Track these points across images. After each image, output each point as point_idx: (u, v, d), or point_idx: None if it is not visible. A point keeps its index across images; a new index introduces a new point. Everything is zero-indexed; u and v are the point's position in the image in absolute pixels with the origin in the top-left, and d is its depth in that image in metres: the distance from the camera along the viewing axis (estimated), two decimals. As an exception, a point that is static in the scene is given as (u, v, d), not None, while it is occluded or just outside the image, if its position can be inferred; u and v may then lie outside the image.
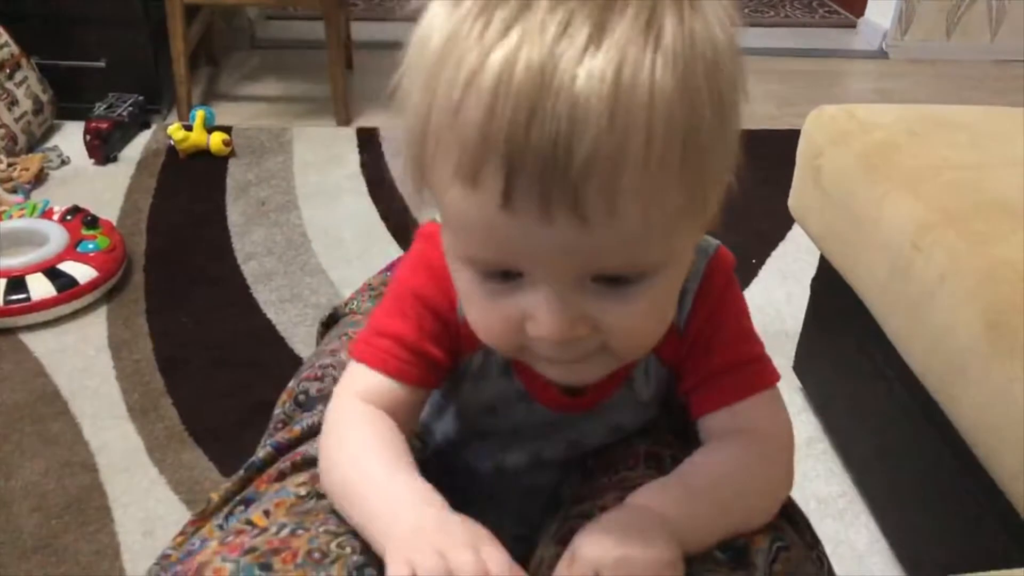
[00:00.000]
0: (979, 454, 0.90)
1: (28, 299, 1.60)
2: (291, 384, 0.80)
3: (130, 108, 2.30)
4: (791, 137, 1.36)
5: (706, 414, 0.58)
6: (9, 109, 2.15)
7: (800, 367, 1.46)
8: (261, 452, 0.64)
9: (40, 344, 1.59)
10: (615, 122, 0.40)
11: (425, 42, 0.44)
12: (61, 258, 1.69)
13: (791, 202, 1.33)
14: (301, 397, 0.75)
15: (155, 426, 1.42)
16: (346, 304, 0.96)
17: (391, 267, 1.11)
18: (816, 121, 1.28)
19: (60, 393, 1.48)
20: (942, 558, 1.07)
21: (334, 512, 0.55)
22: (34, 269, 1.65)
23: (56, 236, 1.74)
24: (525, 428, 0.62)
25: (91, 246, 1.72)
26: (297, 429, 0.69)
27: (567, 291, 0.45)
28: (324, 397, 0.74)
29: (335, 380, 0.77)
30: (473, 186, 0.42)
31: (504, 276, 0.47)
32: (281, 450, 0.68)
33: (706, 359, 0.58)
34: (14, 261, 1.67)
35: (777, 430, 0.58)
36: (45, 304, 1.61)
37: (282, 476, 0.64)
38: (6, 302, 1.59)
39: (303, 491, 0.60)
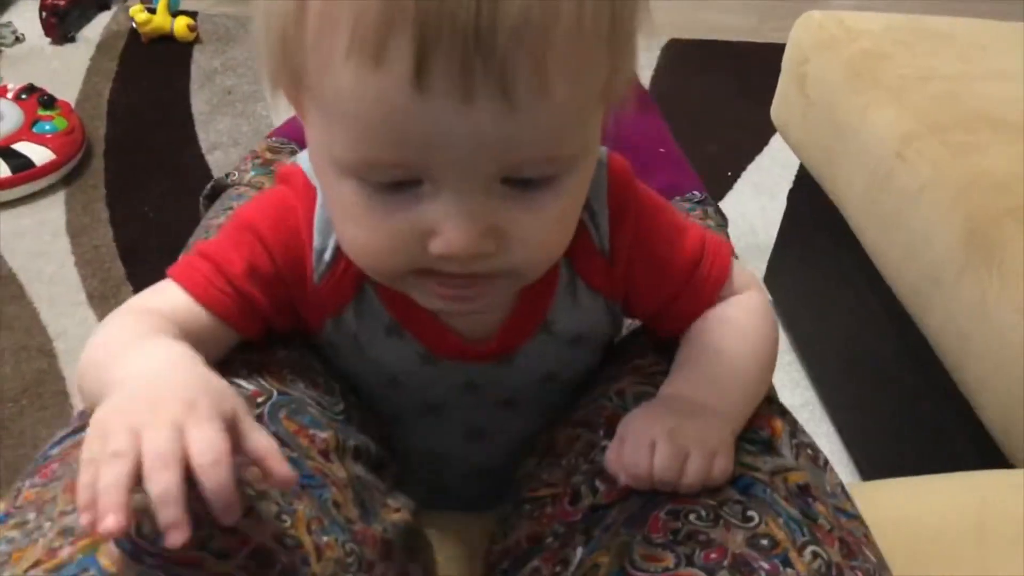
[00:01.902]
0: (947, 363, 0.91)
1: (-19, 178, 1.54)
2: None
3: (89, -14, 2.19)
4: (772, 50, 1.33)
5: (684, 331, 0.56)
6: (-41, -20, 2.04)
7: (771, 280, 1.46)
8: None
9: (-5, 226, 1.54)
10: None
11: None
12: (16, 138, 1.62)
13: (773, 110, 1.31)
14: None
15: (115, 314, 1.39)
16: (228, 176, 0.92)
17: (280, 131, 1.06)
18: (803, 27, 1.25)
19: (16, 276, 1.44)
20: (902, 467, 1.09)
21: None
22: (-13, 148, 1.59)
23: (11, 115, 1.67)
24: (442, 397, 0.57)
25: (48, 127, 1.66)
26: None
27: (475, 198, 0.40)
28: None
29: None
30: (375, 63, 0.35)
31: (396, 186, 0.40)
32: None
33: (658, 281, 0.54)
34: (-35, 139, 1.61)
35: (749, 286, 0.56)
36: (-1, 184, 1.55)
37: None
38: (-42, 181, 1.53)
39: None
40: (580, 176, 0.43)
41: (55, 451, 0.48)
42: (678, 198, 1.01)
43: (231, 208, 0.80)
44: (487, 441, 0.60)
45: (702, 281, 0.55)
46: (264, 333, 0.53)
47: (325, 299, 0.52)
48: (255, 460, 0.38)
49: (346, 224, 0.44)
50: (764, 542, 0.43)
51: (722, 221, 1.01)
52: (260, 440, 0.38)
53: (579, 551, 0.47)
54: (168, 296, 0.49)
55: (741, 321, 0.55)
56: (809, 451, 0.54)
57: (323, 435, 0.51)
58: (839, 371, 1.29)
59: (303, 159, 0.52)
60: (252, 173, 0.91)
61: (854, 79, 1.11)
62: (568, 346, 0.56)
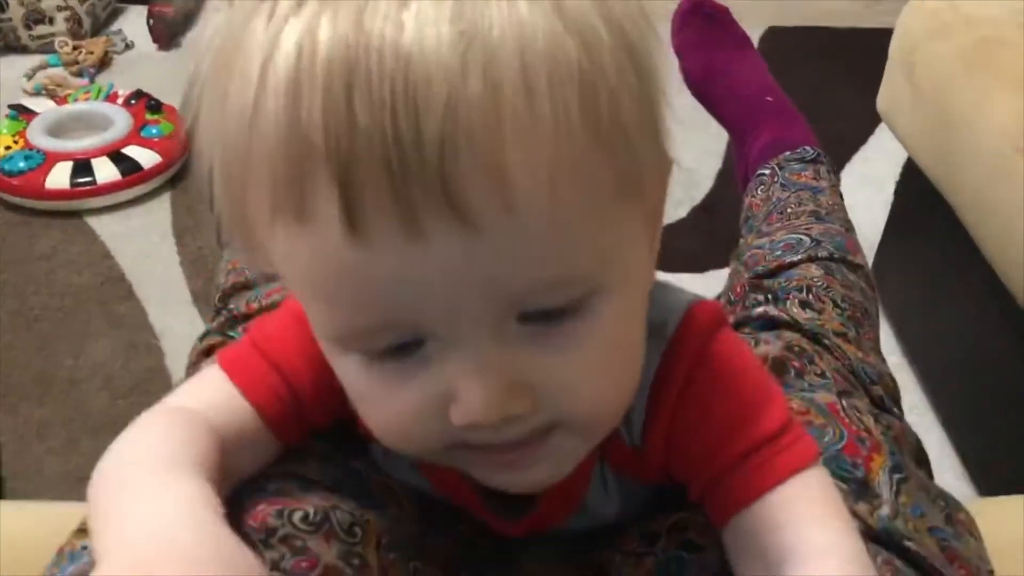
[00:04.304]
0: (1072, 372, 0.85)
1: (94, 182, 1.61)
2: (227, 255, 0.77)
3: (193, -8, 2.26)
4: (878, 36, 1.27)
5: (724, 525, 0.43)
6: (74, -10, 2.13)
7: (878, 277, 1.39)
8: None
9: (105, 228, 1.60)
10: (470, 70, 0.28)
11: (209, 47, 0.33)
12: (125, 142, 1.69)
13: (880, 101, 1.25)
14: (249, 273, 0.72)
15: (218, 313, 1.44)
16: None
17: None
18: (913, 13, 1.19)
19: (125, 277, 1.50)
20: (1015, 476, 1.03)
21: None
22: (99, 152, 1.65)
23: (120, 120, 1.74)
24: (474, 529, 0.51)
25: (155, 131, 1.72)
26: (254, 305, 0.67)
27: (487, 349, 0.32)
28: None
29: None
30: (300, 219, 0.30)
31: (399, 351, 0.34)
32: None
33: (700, 467, 0.43)
34: (80, 144, 1.68)
35: (827, 552, 0.39)
36: (110, 188, 1.62)
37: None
38: (72, 184, 1.60)
39: None
40: (622, 298, 0.35)
41: None
42: (787, 154, 0.96)
43: None
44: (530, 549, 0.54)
45: (765, 460, 0.41)
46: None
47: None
48: None
49: (361, 405, 0.38)
50: None
51: (836, 181, 0.94)
52: None
53: None
54: (214, 390, 0.43)
55: None
56: (911, 482, 0.50)
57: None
58: (951, 375, 1.23)
59: None
60: None
61: (970, 68, 1.05)
62: (610, 519, 0.49)
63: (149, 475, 0.36)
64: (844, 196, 0.96)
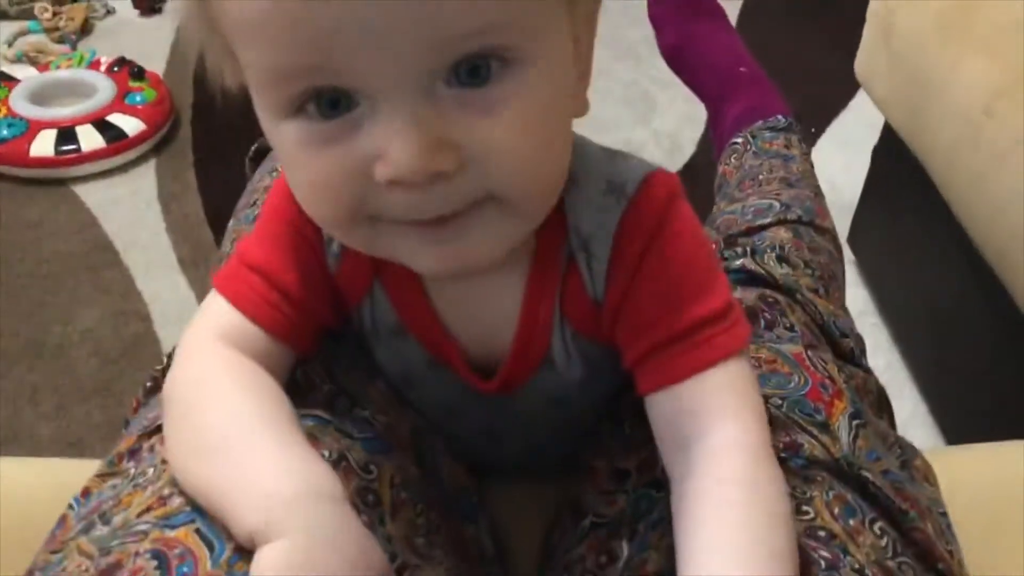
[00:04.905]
0: (1036, 328, 0.88)
1: (78, 150, 1.61)
2: (232, 225, 0.78)
3: (174, -43, 2.24)
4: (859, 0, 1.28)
5: (648, 394, 0.45)
6: (53, -44, 2.10)
7: (855, 239, 1.43)
8: None
9: (92, 196, 1.60)
10: None
11: None
12: (109, 110, 1.69)
13: (857, 64, 1.26)
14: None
15: (206, 279, 1.44)
16: None
17: None
18: (892, -25, 1.20)
19: (112, 244, 1.50)
20: (986, 431, 1.06)
21: None
22: (83, 120, 1.65)
23: (104, 87, 1.74)
24: (454, 404, 0.53)
25: (138, 98, 1.72)
26: None
27: (416, 106, 0.35)
28: None
29: None
30: None
31: (332, 108, 0.36)
32: None
33: (643, 333, 0.45)
34: (64, 112, 1.68)
35: (736, 414, 0.43)
36: (95, 155, 1.62)
37: None
38: (57, 152, 1.60)
39: None
40: (543, 76, 0.37)
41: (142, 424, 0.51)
42: (760, 123, 0.98)
43: (276, 170, 0.80)
44: (509, 441, 0.56)
45: (704, 341, 0.43)
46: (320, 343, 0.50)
47: (341, 291, 0.49)
48: None
49: (292, 172, 0.40)
50: (821, 533, 0.43)
51: (806, 150, 0.97)
52: None
53: (625, 546, 0.46)
54: (223, 316, 0.46)
55: (752, 503, 0.40)
56: (869, 428, 0.53)
57: (379, 384, 0.52)
58: (924, 333, 1.26)
59: None
60: None
61: (944, 29, 1.06)
62: (577, 385, 0.51)
63: (275, 442, 0.40)
64: (825, 158, 0.97)
